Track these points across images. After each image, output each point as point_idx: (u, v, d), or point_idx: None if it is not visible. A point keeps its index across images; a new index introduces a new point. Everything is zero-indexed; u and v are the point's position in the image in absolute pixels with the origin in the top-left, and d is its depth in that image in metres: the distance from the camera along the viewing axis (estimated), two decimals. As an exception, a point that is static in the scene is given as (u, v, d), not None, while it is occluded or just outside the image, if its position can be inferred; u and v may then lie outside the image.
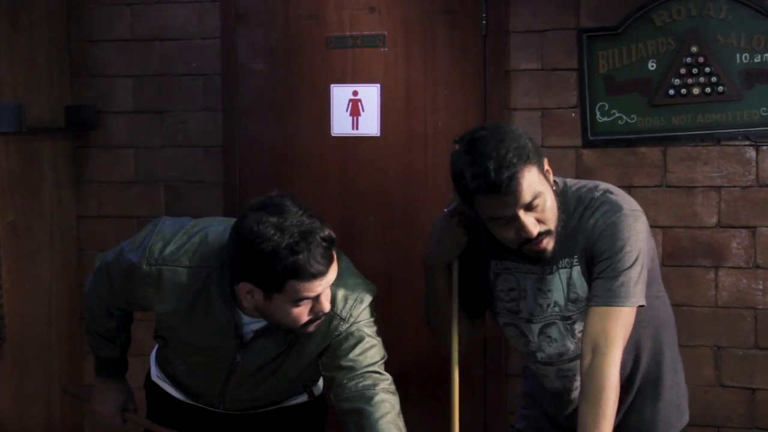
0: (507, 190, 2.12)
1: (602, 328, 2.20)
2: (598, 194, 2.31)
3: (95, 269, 2.49)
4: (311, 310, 2.14)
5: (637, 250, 2.24)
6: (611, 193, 2.31)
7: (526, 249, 2.24)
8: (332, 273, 2.12)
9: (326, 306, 2.15)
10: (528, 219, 2.17)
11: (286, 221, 2.05)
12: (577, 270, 2.29)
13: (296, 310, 2.12)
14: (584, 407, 2.18)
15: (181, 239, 2.28)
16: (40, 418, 3.93)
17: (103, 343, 2.60)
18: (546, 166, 2.26)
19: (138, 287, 2.30)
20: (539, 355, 2.41)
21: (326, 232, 2.08)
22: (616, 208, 2.26)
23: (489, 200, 2.16)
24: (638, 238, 2.25)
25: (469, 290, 2.46)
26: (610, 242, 2.23)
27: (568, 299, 2.31)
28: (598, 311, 2.22)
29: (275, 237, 2.03)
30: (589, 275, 2.28)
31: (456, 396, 2.41)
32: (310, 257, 2.03)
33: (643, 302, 2.24)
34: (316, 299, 2.12)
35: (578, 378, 2.39)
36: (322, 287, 2.10)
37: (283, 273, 2.04)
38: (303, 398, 2.61)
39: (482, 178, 2.12)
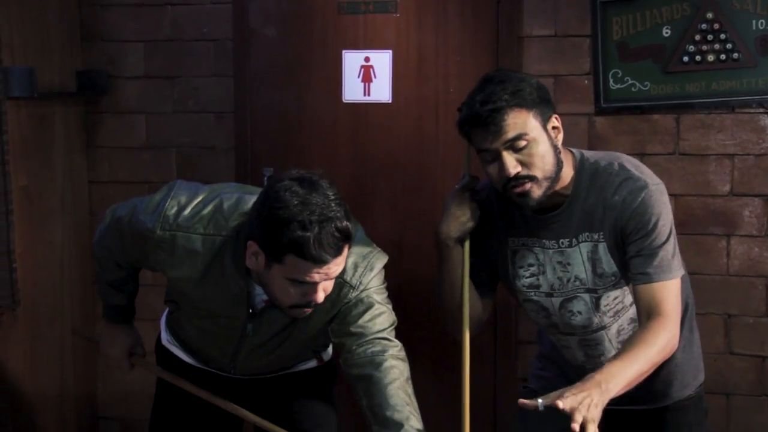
0: (487, 121, 2.19)
1: (656, 303, 2.24)
2: (616, 168, 2.31)
3: (106, 222, 2.50)
4: (303, 295, 2.13)
5: (669, 223, 2.29)
6: (629, 167, 2.32)
7: (510, 191, 2.25)
8: (335, 266, 2.09)
9: (320, 297, 2.13)
10: (509, 158, 2.20)
11: (313, 199, 2.05)
12: (603, 246, 2.30)
13: (289, 289, 2.12)
14: (633, 336, 2.24)
15: (197, 206, 2.28)
16: (53, 381, 3.97)
17: (111, 291, 2.62)
18: (554, 123, 2.28)
19: (150, 251, 2.31)
20: (561, 326, 2.43)
21: (344, 224, 2.06)
22: (642, 184, 2.28)
23: (475, 132, 2.23)
24: (667, 211, 2.29)
25: (481, 269, 2.46)
26: (643, 221, 2.26)
27: (594, 273, 2.32)
28: (646, 290, 2.25)
29: (294, 208, 2.03)
30: (618, 252, 2.30)
31: (467, 373, 2.39)
32: (316, 240, 2.02)
33: (683, 271, 2.30)
34: (312, 287, 2.11)
35: (603, 347, 2.40)
36: (320, 277, 2.09)
37: (287, 245, 2.04)
38: (312, 363, 2.63)
39: (468, 108, 2.23)
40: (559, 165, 2.26)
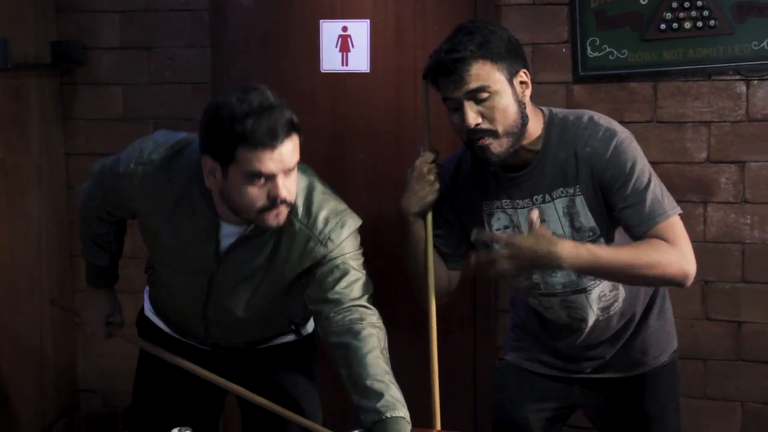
0: (450, 70, 2.20)
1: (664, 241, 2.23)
2: (585, 121, 2.32)
3: (92, 173, 2.55)
4: (267, 194, 2.12)
5: (647, 166, 2.29)
6: (597, 119, 2.33)
7: (473, 144, 2.26)
8: (288, 153, 2.10)
9: (282, 191, 2.12)
10: (470, 109, 2.21)
11: (251, 95, 2.08)
12: (580, 200, 2.29)
13: (251, 190, 2.11)
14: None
15: (173, 145, 2.33)
16: (32, 354, 3.96)
17: (94, 248, 2.64)
18: (522, 78, 2.28)
19: (124, 187, 2.35)
20: (542, 286, 2.43)
21: (288, 114, 2.10)
22: (611, 133, 2.28)
23: (440, 80, 2.25)
24: (641, 155, 2.30)
25: (448, 241, 2.47)
26: (619, 168, 2.25)
27: (572, 227, 2.32)
28: (647, 236, 2.24)
29: (235, 105, 2.06)
30: (597, 206, 2.29)
31: (434, 346, 2.42)
32: (261, 123, 2.05)
33: (679, 209, 2.29)
34: (272, 181, 2.11)
35: (587, 313, 2.42)
36: (276, 165, 2.09)
37: (233, 137, 2.05)
38: (291, 337, 2.64)
39: (434, 56, 2.26)
40: (523, 120, 2.26)
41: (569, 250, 2.16)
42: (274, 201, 2.13)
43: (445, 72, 2.22)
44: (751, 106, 3.55)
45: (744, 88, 3.55)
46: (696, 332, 3.67)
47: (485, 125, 2.21)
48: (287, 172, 2.12)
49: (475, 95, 2.21)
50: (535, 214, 2.20)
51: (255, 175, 2.09)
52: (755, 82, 3.54)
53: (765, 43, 3.47)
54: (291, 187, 2.15)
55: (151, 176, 2.29)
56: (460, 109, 2.23)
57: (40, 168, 4.00)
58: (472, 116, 2.21)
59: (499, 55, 2.22)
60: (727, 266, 3.64)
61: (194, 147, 2.28)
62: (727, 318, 3.66)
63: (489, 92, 2.21)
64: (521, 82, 2.27)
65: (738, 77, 3.55)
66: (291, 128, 2.10)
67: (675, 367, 2.61)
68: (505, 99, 2.22)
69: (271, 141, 2.05)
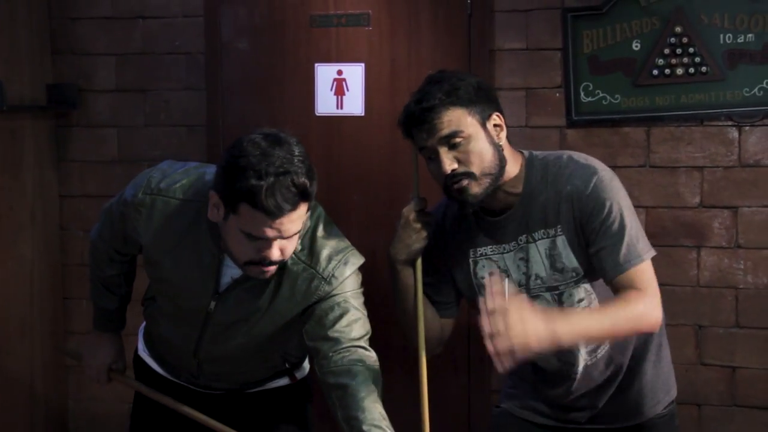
0: (421, 119, 2.21)
1: (630, 284, 2.21)
2: (565, 160, 2.31)
3: (101, 213, 2.53)
4: (258, 251, 2.10)
5: (627, 206, 2.27)
6: (577, 158, 2.32)
7: (450, 190, 2.25)
8: (289, 223, 2.07)
9: (274, 254, 2.10)
10: (445, 155, 2.21)
11: (275, 152, 2.04)
12: (562, 240, 2.28)
13: (244, 242, 2.10)
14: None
15: (180, 175, 2.32)
16: (23, 397, 3.92)
17: (103, 292, 2.61)
18: (496, 121, 2.27)
19: (130, 215, 2.33)
20: None
21: (301, 180, 2.05)
22: (591, 170, 2.27)
23: (414, 131, 2.26)
24: (622, 194, 2.28)
25: (439, 289, 2.46)
26: (598, 206, 2.23)
27: (554, 268, 2.31)
28: (620, 280, 2.23)
29: (253, 158, 2.03)
30: (579, 246, 2.28)
31: (425, 393, 2.39)
32: (270, 190, 2.01)
33: (653, 252, 2.27)
34: (266, 243, 2.09)
35: (573, 354, 2.40)
36: (273, 233, 2.06)
37: (240, 193, 2.03)
38: (285, 381, 2.61)
39: (405, 108, 2.26)
40: (501, 162, 2.25)
41: (553, 323, 2.10)
42: (262, 260, 2.13)
43: (417, 122, 2.22)
44: (743, 151, 3.57)
45: (736, 134, 3.57)
46: (690, 377, 3.66)
47: (462, 169, 2.21)
48: (286, 237, 2.11)
49: (449, 141, 2.21)
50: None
51: (250, 236, 2.08)
52: (747, 127, 3.56)
53: (756, 89, 3.51)
54: (288, 248, 2.14)
55: (159, 207, 2.28)
56: (436, 158, 2.23)
57: (34, 210, 4.00)
58: (448, 162, 2.21)
59: (468, 99, 2.23)
60: (721, 311, 3.64)
61: (204, 180, 2.27)
62: (721, 363, 3.66)
63: (462, 137, 2.21)
64: (495, 125, 2.27)
65: (730, 123, 3.57)
66: (300, 198, 2.06)
67: (673, 420, 2.56)
68: (479, 143, 2.22)
69: (274, 212, 2.03)
